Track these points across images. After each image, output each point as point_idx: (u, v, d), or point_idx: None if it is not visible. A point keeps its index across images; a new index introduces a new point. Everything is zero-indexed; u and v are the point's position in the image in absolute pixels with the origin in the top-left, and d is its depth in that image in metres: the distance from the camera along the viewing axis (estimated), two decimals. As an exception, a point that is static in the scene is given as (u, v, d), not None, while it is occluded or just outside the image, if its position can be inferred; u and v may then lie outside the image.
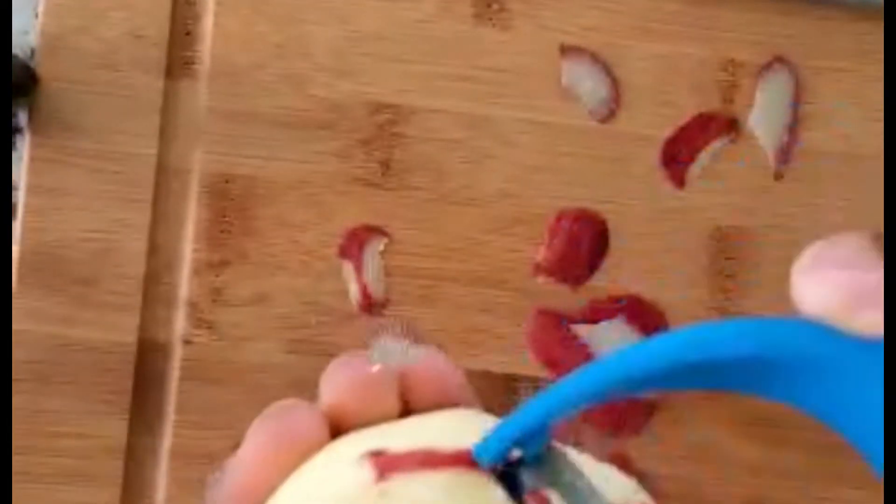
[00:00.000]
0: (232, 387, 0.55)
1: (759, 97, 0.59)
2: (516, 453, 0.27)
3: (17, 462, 0.52)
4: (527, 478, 0.27)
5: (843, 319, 0.25)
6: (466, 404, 0.31)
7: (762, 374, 0.26)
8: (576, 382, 0.26)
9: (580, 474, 0.27)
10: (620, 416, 0.56)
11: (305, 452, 0.30)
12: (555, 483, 0.27)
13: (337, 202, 0.56)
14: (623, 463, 0.56)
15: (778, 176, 0.59)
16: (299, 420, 0.30)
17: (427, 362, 0.31)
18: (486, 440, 0.27)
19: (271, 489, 0.30)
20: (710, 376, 0.26)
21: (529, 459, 0.27)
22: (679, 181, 0.58)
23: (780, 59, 0.59)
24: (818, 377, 0.25)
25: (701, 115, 0.58)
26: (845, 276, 0.24)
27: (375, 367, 0.31)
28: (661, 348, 0.26)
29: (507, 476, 0.27)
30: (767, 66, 0.59)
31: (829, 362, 0.25)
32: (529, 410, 0.27)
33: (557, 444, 0.27)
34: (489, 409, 0.58)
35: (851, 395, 0.25)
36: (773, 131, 0.59)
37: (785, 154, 0.59)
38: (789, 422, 0.57)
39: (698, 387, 0.26)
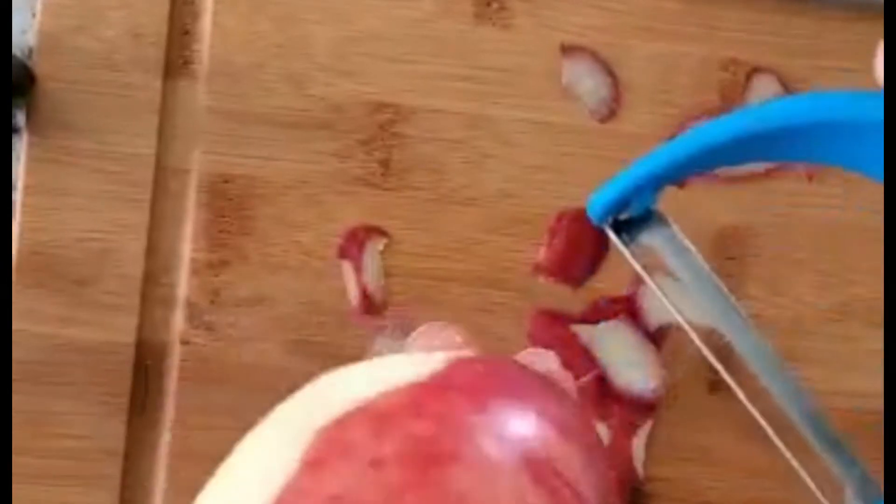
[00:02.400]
0: (231, 387, 0.55)
1: (752, 98, 0.59)
2: (625, 215, 0.29)
3: (14, 463, 0.52)
4: (633, 233, 0.29)
5: None
6: None
7: (828, 140, 0.29)
8: (679, 146, 0.28)
9: (680, 234, 0.29)
10: (619, 416, 0.56)
11: None
12: (659, 238, 0.29)
13: (336, 202, 0.56)
14: (623, 462, 0.56)
15: (779, 176, 0.59)
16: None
17: None
18: (595, 198, 0.29)
19: None
20: (790, 144, 0.28)
21: (636, 218, 0.29)
22: (679, 181, 0.58)
23: (768, 64, 0.59)
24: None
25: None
26: None
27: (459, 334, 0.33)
28: (759, 115, 0.28)
29: (616, 231, 0.29)
30: (757, 70, 0.58)
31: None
32: (634, 171, 0.29)
33: (660, 210, 0.29)
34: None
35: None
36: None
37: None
38: (790, 423, 0.57)
39: (788, 157, 0.29)
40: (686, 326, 0.31)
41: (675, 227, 0.30)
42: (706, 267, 0.30)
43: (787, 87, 0.59)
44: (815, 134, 0.29)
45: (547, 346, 0.56)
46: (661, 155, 0.29)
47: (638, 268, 0.30)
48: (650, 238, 0.30)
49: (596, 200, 0.30)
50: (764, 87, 0.59)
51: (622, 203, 0.30)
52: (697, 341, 0.30)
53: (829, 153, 0.29)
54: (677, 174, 0.29)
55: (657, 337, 0.57)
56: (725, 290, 0.30)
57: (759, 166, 0.58)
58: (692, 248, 0.30)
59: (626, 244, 0.30)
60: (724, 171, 0.58)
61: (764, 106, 0.29)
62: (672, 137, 0.58)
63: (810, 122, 0.28)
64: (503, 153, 0.57)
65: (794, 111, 0.29)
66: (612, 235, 0.30)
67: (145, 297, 0.55)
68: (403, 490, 0.27)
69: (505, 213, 0.57)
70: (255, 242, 0.55)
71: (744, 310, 0.30)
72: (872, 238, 0.58)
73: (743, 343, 0.29)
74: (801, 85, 0.59)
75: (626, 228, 0.30)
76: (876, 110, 0.28)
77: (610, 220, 0.30)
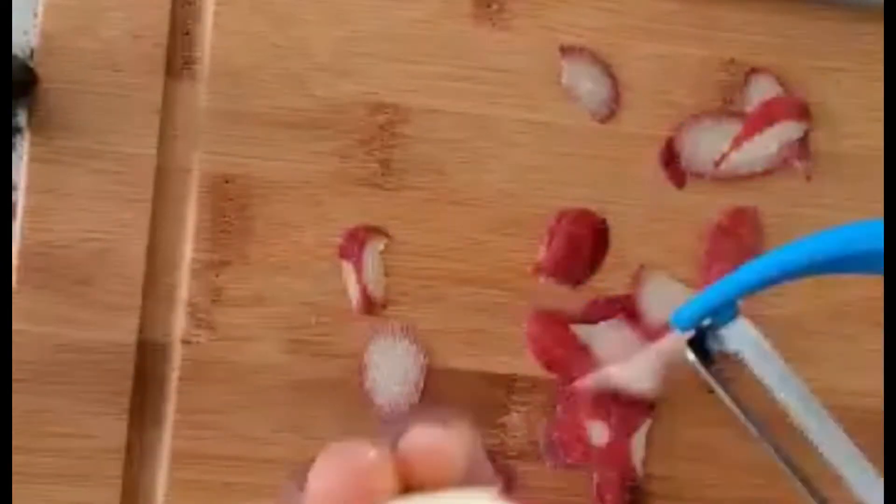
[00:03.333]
0: (231, 387, 0.55)
1: (751, 98, 0.59)
2: (707, 321, 0.31)
3: (16, 462, 0.52)
4: (716, 344, 0.30)
5: None
6: (478, 482, 0.30)
7: None
8: (763, 265, 0.30)
9: (763, 342, 0.31)
10: (619, 415, 0.56)
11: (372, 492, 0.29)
12: (741, 348, 0.31)
13: (337, 202, 0.56)
14: (623, 461, 0.56)
15: (779, 176, 0.59)
16: (368, 462, 0.29)
17: (430, 444, 0.30)
18: (680, 310, 0.31)
19: None
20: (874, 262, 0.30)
21: (718, 327, 0.31)
22: (679, 181, 0.58)
23: (768, 64, 0.59)
24: None
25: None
26: None
27: (371, 454, 0.30)
28: (842, 237, 0.30)
29: (699, 341, 0.31)
30: (756, 70, 0.59)
31: None
32: (720, 286, 0.31)
33: (743, 317, 0.31)
34: (488, 409, 0.58)
35: None
36: (771, 132, 0.59)
37: (785, 154, 0.59)
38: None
39: (867, 271, 0.30)
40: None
41: (758, 332, 0.32)
42: (788, 368, 0.33)
43: (787, 88, 0.59)
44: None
45: (547, 346, 0.57)
46: (751, 271, 0.32)
47: (714, 384, 0.33)
48: (734, 345, 0.32)
49: (682, 312, 0.33)
50: (763, 88, 0.59)
51: (708, 314, 0.32)
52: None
53: None
54: (764, 288, 0.32)
55: (656, 336, 0.57)
56: (808, 390, 0.33)
57: (758, 166, 0.58)
58: (775, 351, 0.32)
59: (708, 354, 0.33)
60: (724, 170, 0.58)
61: (859, 227, 0.31)
62: (671, 138, 0.58)
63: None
64: (503, 153, 0.57)
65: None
66: (690, 355, 0.32)
67: (146, 297, 0.55)
68: None
69: (505, 213, 0.57)
70: (256, 242, 0.56)
71: (823, 407, 0.32)
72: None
73: (824, 437, 0.31)
74: (801, 85, 0.59)
75: (710, 336, 0.33)
76: None
77: (694, 329, 0.32)
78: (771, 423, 0.32)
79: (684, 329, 0.32)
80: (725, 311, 0.32)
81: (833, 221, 0.58)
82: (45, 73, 0.55)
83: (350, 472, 0.29)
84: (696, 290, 0.57)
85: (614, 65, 0.58)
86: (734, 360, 0.31)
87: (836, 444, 0.33)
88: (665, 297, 0.57)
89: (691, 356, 0.32)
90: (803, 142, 0.59)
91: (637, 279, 0.57)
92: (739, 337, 0.32)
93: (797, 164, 0.59)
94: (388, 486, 0.29)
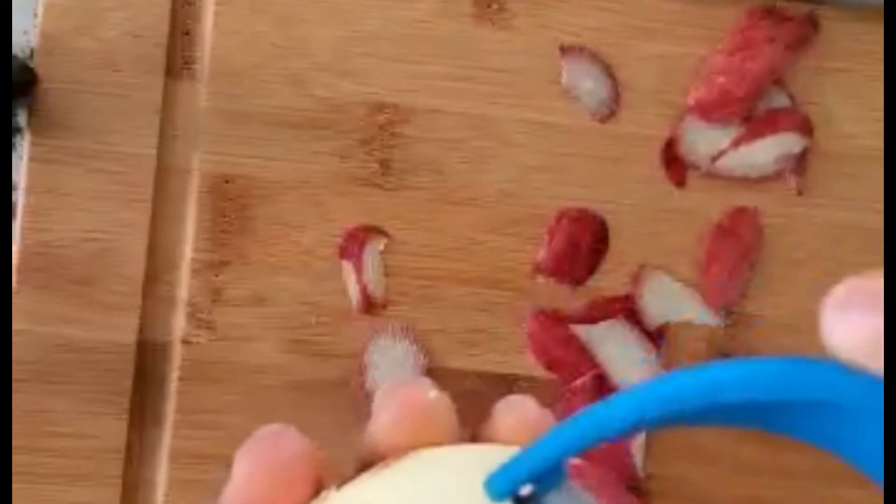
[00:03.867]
0: (231, 387, 0.55)
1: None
2: (528, 489, 0.26)
3: (16, 462, 0.52)
4: None
5: (866, 363, 0.24)
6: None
7: (777, 413, 0.25)
8: (594, 417, 0.25)
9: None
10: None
11: (293, 483, 0.29)
12: None
13: (337, 202, 0.56)
14: (623, 461, 0.56)
15: (778, 176, 0.59)
16: (287, 447, 0.29)
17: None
18: (497, 474, 0.26)
19: None
20: (726, 414, 0.25)
21: (542, 495, 0.26)
22: (679, 181, 0.58)
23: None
24: (835, 417, 0.25)
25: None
26: (872, 321, 0.24)
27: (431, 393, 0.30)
28: (680, 388, 0.25)
29: None
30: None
31: (847, 404, 0.25)
32: (545, 445, 0.25)
33: (571, 482, 0.26)
34: (488, 409, 0.58)
35: (867, 433, 0.25)
36: (772, 139, 0.59)
37: (781, 165, 0.59)
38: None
39: (714, 423, 0.26)
40: None
41: (589, 501, 0.26)
42: None
43: (787, 87, 0.59)
44: (779, 408, 0.26)
45: (546, 346, 0.57)
46: (584, 424, 0.25)
47: None
48: None
49: (496, 477, 0.26)
50: (770, 97, 0.59)
51: (529, 480, 0.26)
52: None
53: (795, 428, 0.26)
54: (590, 446, 0.26)
55: (656, 336, 0.57)
56: None
57: (754, 171, 0.58)
58: None
59: None
60: (720, 168, 0.58)
61: (701, 373, 0.25)
62: (671, 137, 0.58)
63: (775, 399, 0.25)
64: (503, 153, 0.57)
65: (753, 384, 0.25)
66: None
67: (146, 297, 0.55)
68: None
69: (505, 213, 0.57)
70: (256, 242, 0.56)
71: None
72: (872, 238, 0.58)
73: None
74: (801, 86, 0.59)
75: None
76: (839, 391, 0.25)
77: (510, 498, 0.26)
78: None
79: (498, 499, 0.26)
80: (551, 476, 0.26)
81: (832, 222, 0.58)
82: (45, 73, 0.55)
83: (274, 462, 0.29)
84: (696, 289, 0.57)
85: (614, 65, 0.58)
86: None
87: None
88: (665, 297, 0.57)
89: None
90: (801, 158, 0.59)
91: (637, 279, 0.57)
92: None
93: (791, 178, 0.58)
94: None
